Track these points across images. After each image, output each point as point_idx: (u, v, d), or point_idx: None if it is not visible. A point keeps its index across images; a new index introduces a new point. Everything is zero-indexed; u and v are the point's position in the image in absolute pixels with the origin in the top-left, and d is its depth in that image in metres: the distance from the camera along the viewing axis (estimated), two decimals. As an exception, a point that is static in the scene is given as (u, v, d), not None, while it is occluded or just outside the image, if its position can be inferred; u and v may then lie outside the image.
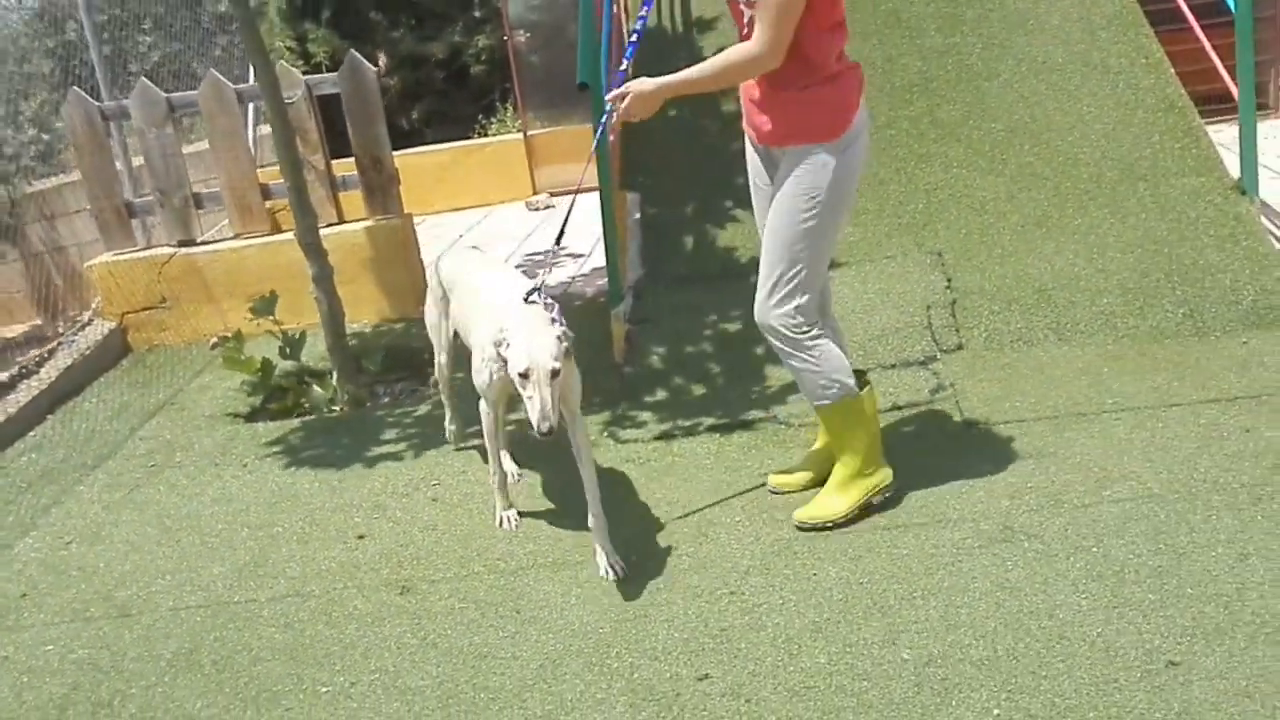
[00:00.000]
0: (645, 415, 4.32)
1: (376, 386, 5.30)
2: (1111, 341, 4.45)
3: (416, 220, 8.76)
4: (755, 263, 3.35)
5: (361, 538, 3.68)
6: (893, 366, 4.44)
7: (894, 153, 5.63)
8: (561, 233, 3.29)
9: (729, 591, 3.07)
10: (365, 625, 3.14)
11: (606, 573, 3.22)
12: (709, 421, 4.19)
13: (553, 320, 3.09)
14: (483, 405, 3.52)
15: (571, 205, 3.36)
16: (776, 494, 3.57)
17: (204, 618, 3.29)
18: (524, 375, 2.98)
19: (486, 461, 3.79)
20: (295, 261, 5.35)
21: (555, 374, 2.98)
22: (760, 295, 3.27)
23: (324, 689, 2.86)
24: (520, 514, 3.67)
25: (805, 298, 3.24)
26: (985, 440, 3.80)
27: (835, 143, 3.13)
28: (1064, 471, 3.51)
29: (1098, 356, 4.33)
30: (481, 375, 3.38)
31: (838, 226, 3.26)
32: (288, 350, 5.35)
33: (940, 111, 5.78)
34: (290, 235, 5.96)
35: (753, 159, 3.39)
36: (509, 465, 3.93)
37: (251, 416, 5.04)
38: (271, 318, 5.39)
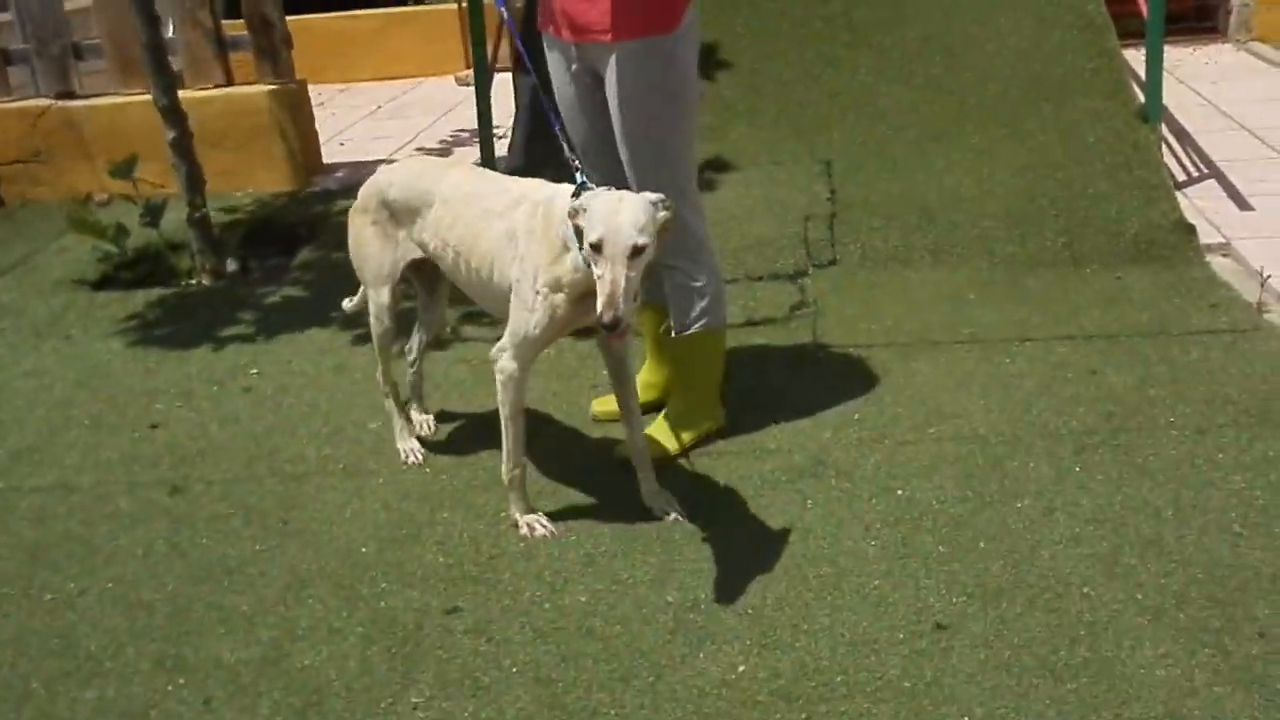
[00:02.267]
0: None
1: (250, 261, 5.05)
2: (986, 267, 4.24)
3: (339, 89, 8.38)
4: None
5: (155, 427, 3.47)
6: (760, 278, 4.23)
7: (802, 53, 5.31)
8: (556, 114, 2.87)
9: (502, 528, 2.86)
10: (121, 527, 2.94)
11: (664, 514, 2.83)
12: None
13: (659, 201, 2.45)
14: (510, 368, 2.69)
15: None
16: (600, 422, 3.34)
17: (-42, 506, 3.09)
18: (596, 248, 2.35)
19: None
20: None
21: (637, 251, 2.34)
22: None
23: (50, 596, 2.67)
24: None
25: (692, 200, 2.96)
26: (830, 365, 3.61)
27: (675, 34, 2.82)
28: (897, 404, 3.33)
29: (968, 282, 4.13)
30: (538, 315, 2.61)
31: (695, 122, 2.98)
32: (148, 218, 5.05)
33: (856, 14, 5.44)
34: (204, 91, 5.65)
35: (558, 63, 2.99)
36: (426, 417, 3.37)
37: (101, 285, 4.79)
38: (131, 180, 5.09)
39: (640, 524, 2.83)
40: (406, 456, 3.16)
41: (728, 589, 2.57)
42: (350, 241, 3.06)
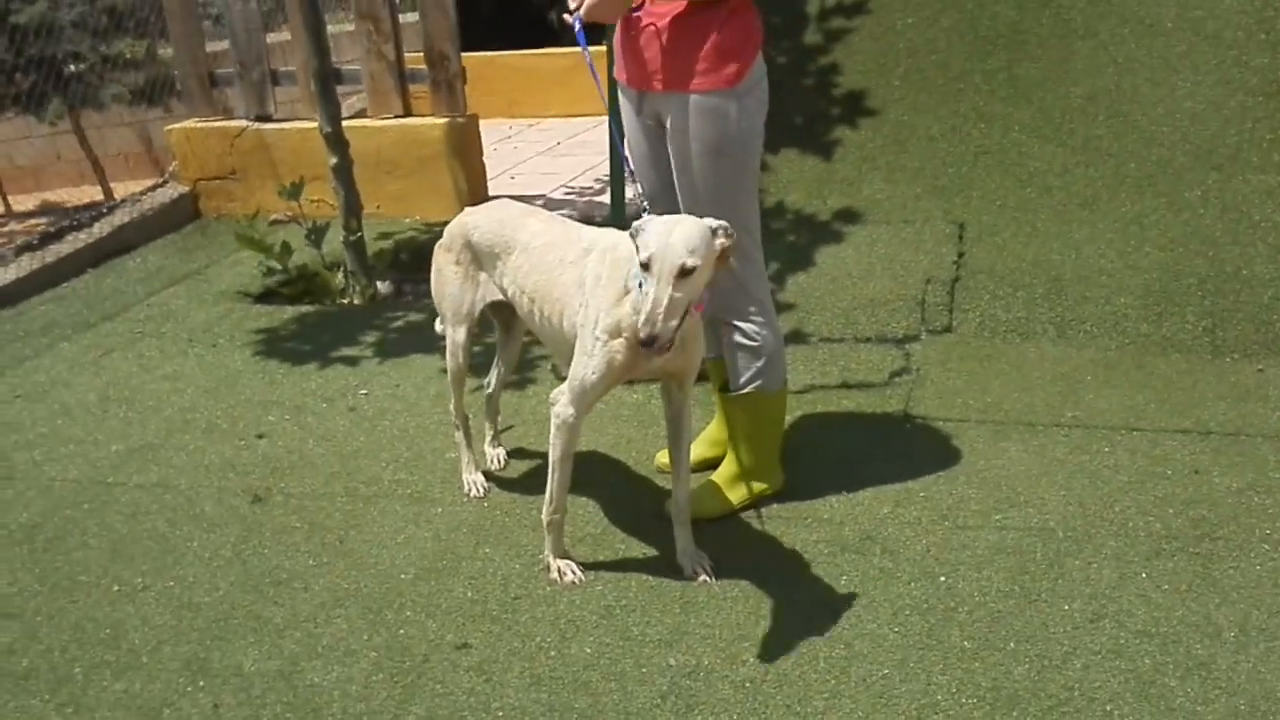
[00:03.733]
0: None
1: (405, 285, 5.33)
2: (1115, 347, 4.01)
3: (529, 123, 8.67)
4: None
5: (261, 437, 3.71)
6: (867, 340, 4.14)
7: (955, 108, 5.18)
8: (623, 152, 2.91)
9: (535, 569, 2.91)
10: (199, 529, 3.17)
11: (694, 575, 2.82)
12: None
13: (720, 227, 2.46)
14: (566, 413, 2.69)
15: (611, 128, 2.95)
16: (664, 473, 3.35)
17: (71, 494, 3.39)
18: (645, 265, 2.36)
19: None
20: (364, 149, 5.42)
21: (685, 271, 2.34)
22: None
23: (117, 588, 2.91)
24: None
25: (754, 256, 2.97)
26: (914, 438, 3.50)
27: (735, 90, 2.83)
28: (970, 485, 3.20)
29: (1088, 362, 3.91)
30: (596, 361, 2.61)
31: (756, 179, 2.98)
32: (312, 237, 5.41)
33: (1020, 68, 5.25)
34: (383, 120, 6.03)
35: (628, 110, 3.02)
36: (497, 451, 3.45)
37: (262, 298, 5.15)
38: (298, 202, 5.47)
39: (668, 580, 2.83)
40: (469, 489, 3.27)
41: (732, 658, 2.54)
42: (433, 277, 3.19)
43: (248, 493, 3.35)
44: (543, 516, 2.85)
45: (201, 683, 2.54)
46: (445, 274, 3.13)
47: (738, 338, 3.01)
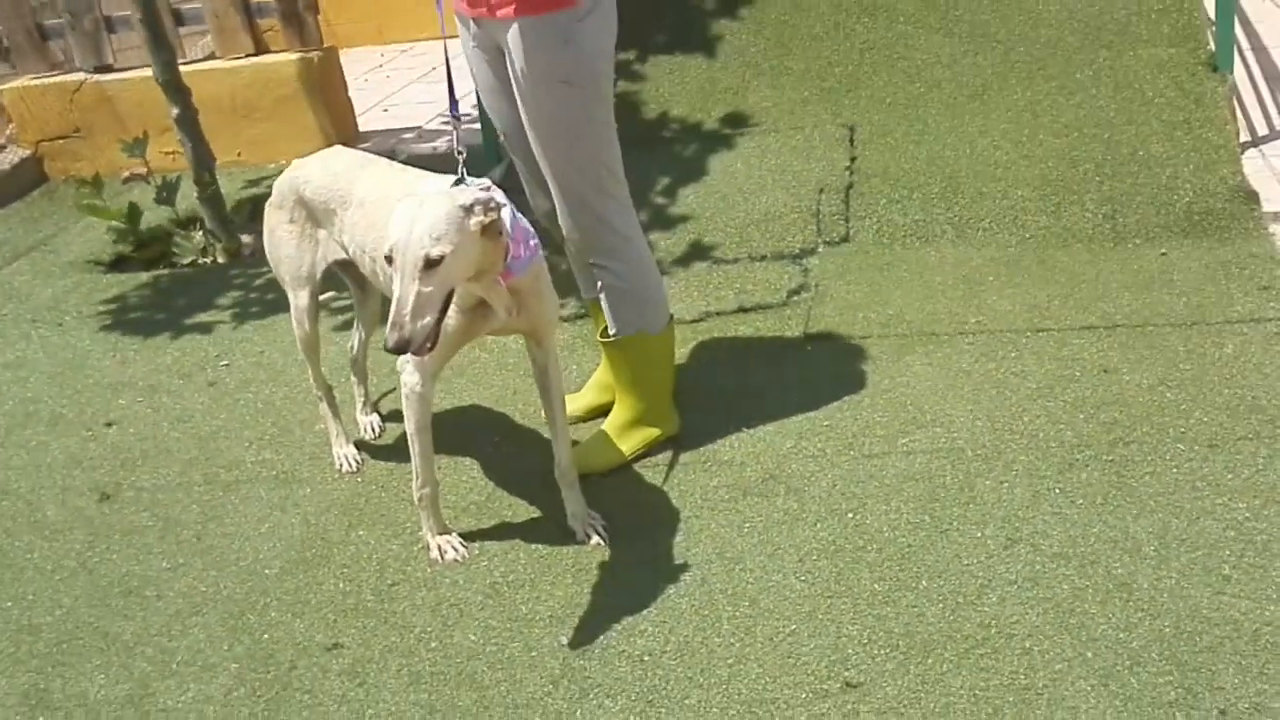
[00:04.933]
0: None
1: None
2: (1015, 243, 3.84)
3: (402, 49, 8.18)
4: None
5: (109, 425, 3.39)
6: (763, 258, 3.92)
7: (836, 2, 4.90)
8: (451, 94, 2.54)
9: (416, 548, 2.67)
10: (41, 538, 2.87)
11: (586, 538, 2.61)
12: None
13: (476, 202, 2.21)
14: (412, 380, 2.48)
15: (447, 59, 2.57)
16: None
17: (-104, 511, 3.07)
18: (389, 259, 2.17)
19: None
20: (215, 94, 4.99)
21: (430, 262, 2.12)
22: (563, 203, 2.71)
23: (-56, 615, 2.62)
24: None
25: (617, 193, 2.72)
26: (815, 361, 3.30)
27: (575, 10, 2.54)
28: (875, 409, 3.02)
29: (989, 261, 3.74)
30: None
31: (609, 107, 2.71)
32: (164, 195, 5.00)
33: (903, -46, 4.99)
34: (233, 61, 5.58)
35: (466, 41, 2.73)
36: (370, 418, 3.19)
37: (115, 265, 4.75)
38: (143, 158, 5.05)
39: (560, 548, 2.61)
40: (341, 464, 3.01)
41: (629, 630, 2.34)
42: (265, 239, 2.89)
43: (95, 490, 3.04)
44: (413, 494, 2.61)
45: (41, 717, 2.27)
46: (279, 234, 2.82)
47: (610, 280, 2.76)
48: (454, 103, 2.52)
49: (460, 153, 2.43)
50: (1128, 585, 2.31)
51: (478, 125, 5.07)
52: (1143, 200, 3.87)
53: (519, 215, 2.38)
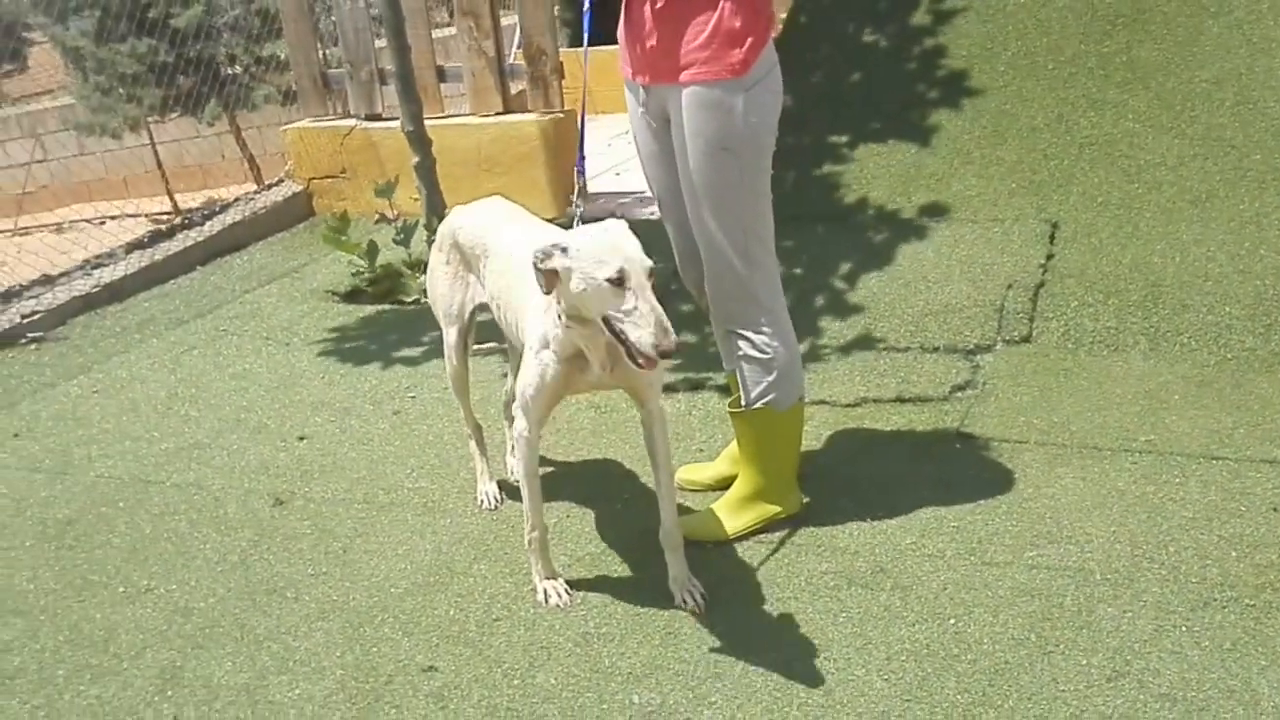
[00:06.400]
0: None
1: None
2: (1213, 362, 3.62)
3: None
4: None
5: (302, 439, 3.74)
6: (934, 350, 3.86)
7: (1064, 95, 4.80)
8: (580, 149, 2.69)
9: (526, 588, 2.79)
10: (216, 532, 3.19)
11: (683, 603, 2.65)
12: (697, 377, 3.83)
13: None
14: (520, 426, 2.62)
15: (581, 123, 2.76)
16: (683, 490, 3.18)
17: (111, 491, 3.48)
18: (617, 281, 2.24)
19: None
20: (464, 147, 5.43)
21: (652, 273, 2.28)
22: (710, 269, 2.79)
23: (123, 589, 2.95)
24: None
25: (764, 263, 2.78)
26: (960, 461, 3.23)
27: (741, 81, 2.62)
28: (1010, 517, 2.93)
29: (1179, 378, 3.54)
30: (530, 374, 2.54)
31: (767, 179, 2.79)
32: (401, 236, 5.45)
33: (1140, 50, 4.83)
34: (483, 118, 6.03)
35: (632, 104, 2.84)
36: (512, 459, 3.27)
37: (350, 297, 5.20)
38: (389, 201, 5.53)
39: (655, 609, 2.68)
40: (482, 500, 3.20)
41: (700, 699, 2.37)
42: (427, 277, 3.13)
43: (272, 496, 3.36)
44: (524, 537, 2.75)
45: (170, 692, 2.54)
46: (436, 274, 3.07)
47: (747, 349, 2.83)
48: (581, 158, 2.68)
49: (578, 205, 2.58)
50: (1231, 740, 2.15)
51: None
52: (1365, 331, 3.57)
53: None
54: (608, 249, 2.27)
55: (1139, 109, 4.63)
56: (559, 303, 2.40)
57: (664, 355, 2.23)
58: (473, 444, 3.24)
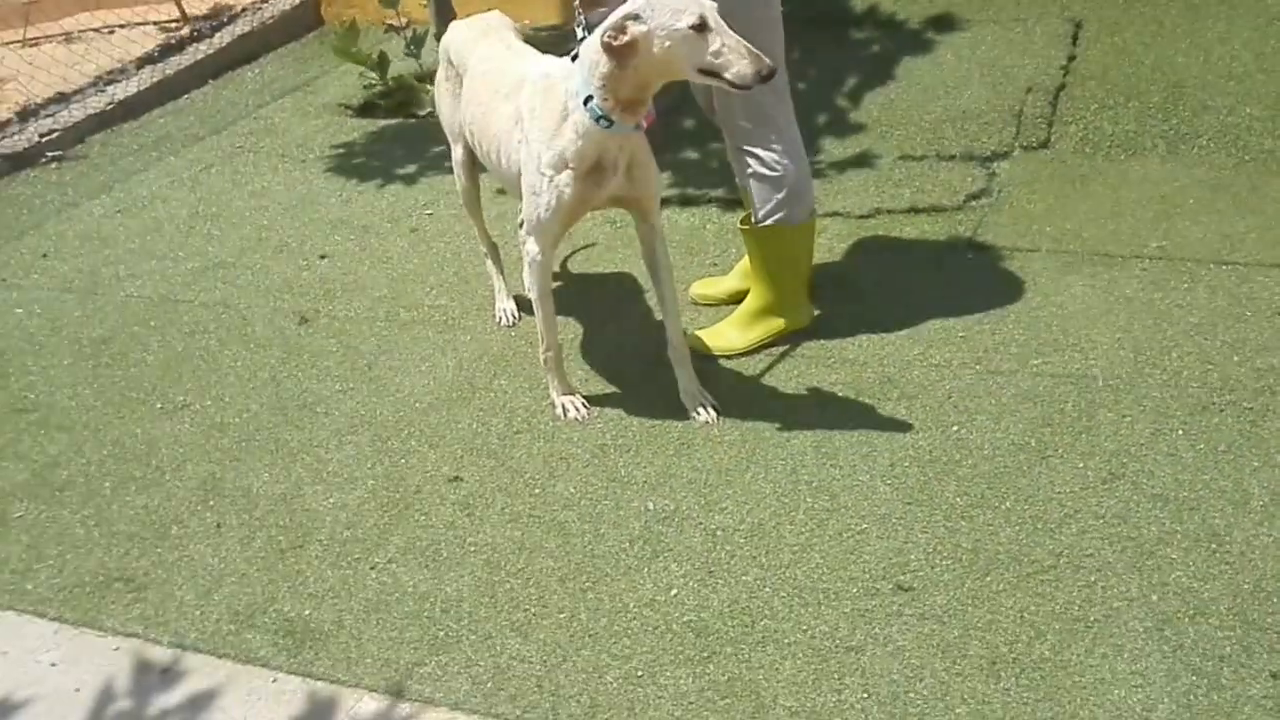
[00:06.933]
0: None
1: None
2: (1231, 165, 3.59)
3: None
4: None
5: (323, 258, 3.80)
6: (951, 158, 3.83)
7: (1096, -118, 4.57)
8: None
9: (544, 402, 2.89)
10: (245, 350, 3.30)
11: (696, 415, 2.75)
12: (713, 193, 3.83)
13: None
14: (532, 250, 2.66)
15: None
16: (697, 304, 3.25)
17: (142, 310, 3.58)
18: (700, 26, 2.30)
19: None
20: None
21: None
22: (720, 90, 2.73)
23: (160, 405, 3.08)
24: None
25: (781, 82, 2.76)
26: (972, 270, 3.26)
27: None
28: (1017, 326, 2.99)
29: (1196, 182, 3.52)
30: (544, 197, 2.55)
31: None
32: (411, 47, 5.35)
33: None
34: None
35: None
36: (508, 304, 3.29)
37: (363, 111, 5.15)
38: (394, 10, 5.39)
39: (670, 421, 2.79)
40: (500, 317, 3.27)
41: (711, 504, 2.51)
42: (434, 92, 3.15)
43: (297, 314, 3.45)
44: (539, 355, 2.84)
45: (212, 502, 2.70)
46: (440, 89, 3.09)
47: (757, 167, 2.83)
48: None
49: (580, 24, 2.56)
50: (1220, 536, 2.26)
51: None
52: (1390, 130, 3.51)
53: None
54: (678, 0, 2.30)
55: (1175, -107, 4.42)
56: (609, 87, 2.39)
57: (767, 78, 2.32)
58: (489, 262, 3.29)
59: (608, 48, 2.36)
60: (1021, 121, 3.90)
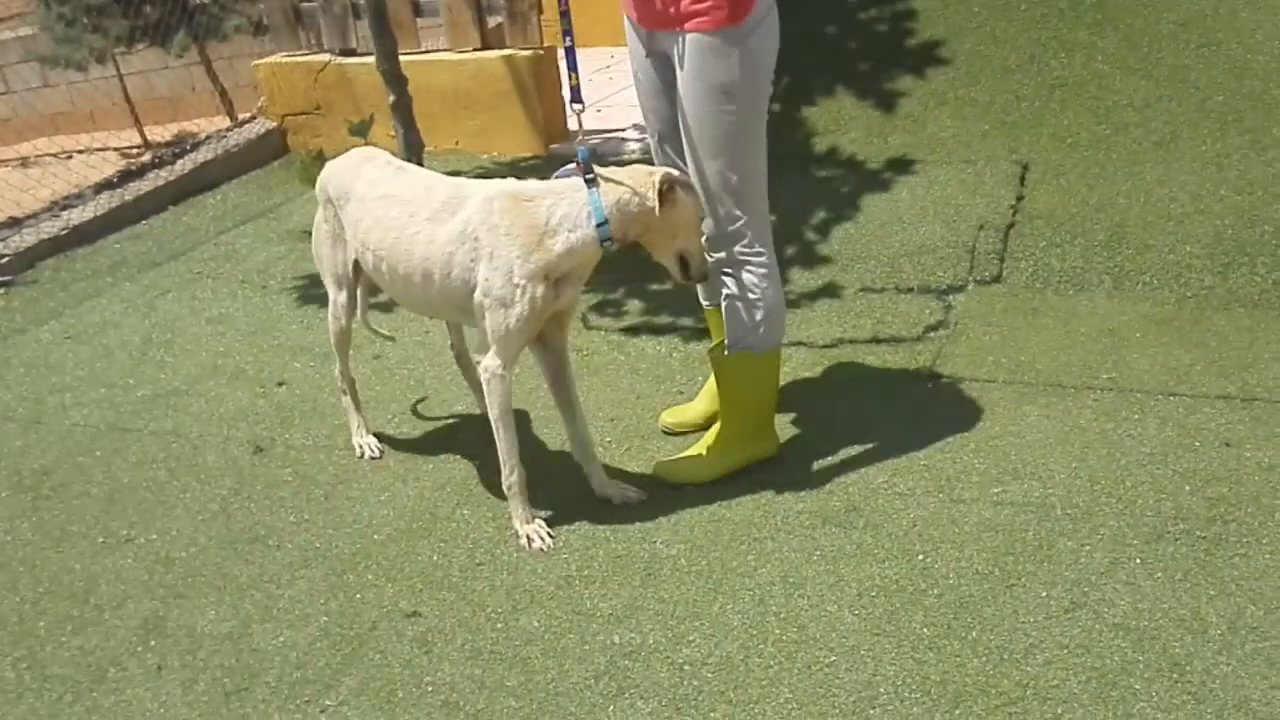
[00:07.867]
0: (621, 303, 4.08)
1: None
2: (1173, 300, 3.71)
3: (614, 55, 8.46)
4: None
5: (281, 385, 3.77)
6: (908, 290, 3.93)
7: (1035, 35, 4.83)
8: (575, 89, 2.82)
9: (508, 532, 2.86)
10: (196, 481, 3.23)
11: (624, 501, 2.90)
12: (680, 322, 3.88)
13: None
14: (493, 365, 2.71)
15: (571, 54, 2.77)
16: (669, 434, 3.25)
17: (88, 439, 3.50)
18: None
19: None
20: (441, 84, 5.38)
21: None
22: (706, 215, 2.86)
23: (102, 540, 2.99)
24: None
25: (757, 206, 2.84)
26: (931, 401, 3.31)
27: (740, 28, 2.65)
28: (978, 455, 3.02)
29: (1141, 317, 3.63)
30: (517, 308, 2.62)
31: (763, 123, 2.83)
32: (377, 176, 5.42)
33: (1111, -11, 4.84)
34: (460, 54, 5.94)
35: (634, 46, 2.89)
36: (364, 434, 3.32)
37: (327, 238, 5.19)
38: (365, 140, 5.48)
39: (637, 548, 2.76)
40: (362, 452, 3.25)
41: (678, 637, 2.46)
42: (313, 240, 3.18)
43: (251, 443, 3.40)
44: (503, 482, 2.81)
45: (153, 642, 2.60)
46: (319, 232, 3.12)
47: (735, 289, 2.88)
48: (576, 89, 2.80)
49: (582, 142, 2.66)
50: (1181, 666, 2.26)
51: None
52: (1321, 269, 3.66)
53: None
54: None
55: (1108, 50, 4.67)
56: (626, 221, 2.63)
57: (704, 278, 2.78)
58: (346, 398, 3.30)
59: (661, 194, 2.60)
60: (975, 257, 4.02)
